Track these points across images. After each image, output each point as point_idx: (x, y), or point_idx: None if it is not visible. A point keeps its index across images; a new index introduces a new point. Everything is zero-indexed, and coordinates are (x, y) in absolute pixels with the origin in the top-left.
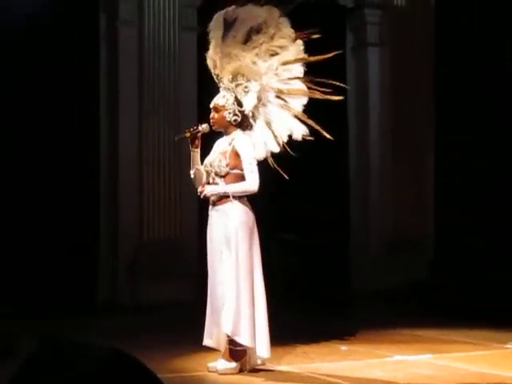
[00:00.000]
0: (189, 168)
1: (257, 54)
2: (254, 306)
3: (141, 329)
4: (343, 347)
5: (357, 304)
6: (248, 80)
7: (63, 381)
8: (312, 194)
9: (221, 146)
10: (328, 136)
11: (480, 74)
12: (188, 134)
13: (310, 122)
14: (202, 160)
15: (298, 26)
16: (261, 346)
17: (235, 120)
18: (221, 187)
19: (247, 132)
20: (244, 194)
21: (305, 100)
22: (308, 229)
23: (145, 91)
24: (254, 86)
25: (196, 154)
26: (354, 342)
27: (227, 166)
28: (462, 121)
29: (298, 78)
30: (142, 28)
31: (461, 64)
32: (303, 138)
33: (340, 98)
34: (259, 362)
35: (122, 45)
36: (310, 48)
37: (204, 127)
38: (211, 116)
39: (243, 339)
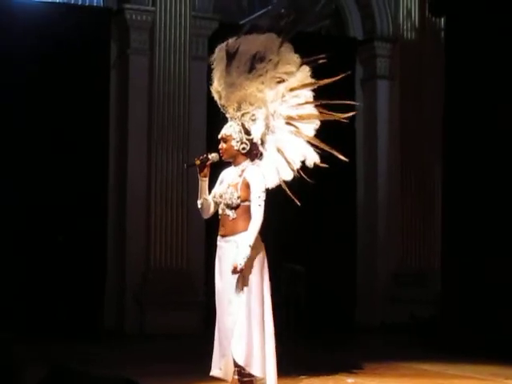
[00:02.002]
0: (196, 197)
1: (262, 82)
2: (264, 336)
3: (147, 358)
4: (349, 380)
5: (363, 336)
6: (254, 108)
7: None
8: (319, 226)
9: (230, 176)
10: (343, 158)
11: (491, 107)
12: (197, 162)
13: (324, 145)
14: (210, 189)
15: (308, 57)
16: (269, 376)
17: (243, 148)
18: (246, 249)
19: (257, 162)
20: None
21: (316, 124)
22: (315, 260)
23: (154, 120)
24: (260, 114)
25: (204, 183)
26: (359, 375)
27: (238, 198)
28: (471, 155)
29: (308, 102)
30: (153, 57)
31: (471, 98)
32: (316, 165)
33: (352, 113)
34: None
35: (133, 73)
36: (318, 79)
37: (213, 156)
38: (220, 146)
39: (255, 369)
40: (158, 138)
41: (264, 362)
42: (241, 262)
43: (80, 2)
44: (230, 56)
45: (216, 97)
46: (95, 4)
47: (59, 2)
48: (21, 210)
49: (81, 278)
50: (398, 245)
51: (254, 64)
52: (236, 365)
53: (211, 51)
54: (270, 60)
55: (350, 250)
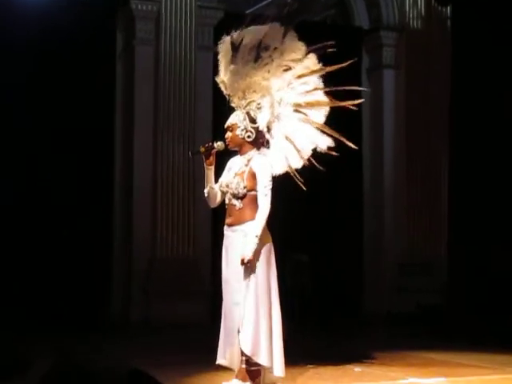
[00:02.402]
0: (203, 186)
1: (268, 71)
2: (271, 325)
3: (154, 347)
4: (357, 369)
5: (369, 326)
6: (259, 96)
7: None
8: (325, 216)
9: (236, 166)
10: (352, 146)
11: (497, 95)
12: (203, 150)
13: (333, 132)
14: (216, 178)
15: (314, 45)
16: (277, 365)
17: (249, 136)
18: (253, 239)
19: (263, 150)
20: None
21: (325, 110)
22: (321, 250)
23: (160, 109)
24: (266, 102)
25: (210, 171)
26: (366, 364)
27: (245, 188)
28: (477, 144)
29: (317, 88)
30: (159, 47)
31: (477, 86)
32: (328, 150)
33: (360, 101)
34: (273, 381)
35: (139, 63)
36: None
37: (219, 144)
38: (226, 136)
39: (262, 359)
40: (163, 128)
41: (271, 352)
42: (248, 254)
43: None
44: (235, 48)
45: (222, 87)
46: None
47: None
48: (27, 199)
49: (87, 269)
50: (404, 233)
51: (260, 53)
52: (243, 354)
53: (217, 41)
54: (275, 49)
55: (356, 238)
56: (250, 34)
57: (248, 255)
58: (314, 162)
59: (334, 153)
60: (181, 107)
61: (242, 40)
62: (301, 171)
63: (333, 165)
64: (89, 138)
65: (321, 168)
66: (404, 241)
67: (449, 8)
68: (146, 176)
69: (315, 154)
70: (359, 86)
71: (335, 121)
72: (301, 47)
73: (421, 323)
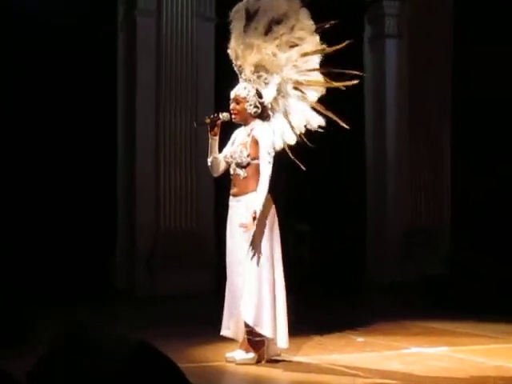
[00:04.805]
0: (206, 156)
1: (277, 46)
2: (274, 296)
3: (159, 319)
4: (360, 339)
5: (372, 295)
6: (269, 72)
7: (92, 368)
8: (328, 185)
9: (240, 136)
10: (345, 126)
11: (499, 65)
12: (208, 121)
13: (327, 112)
14: (221, 149)
15: (316, 17)
16: (280, 336)
17: (255, 112)
18: (256, 208)
19: (266, 122)
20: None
21: (322, 91)
22: (324, 219)
23: (162, 80)
24: (274, 79)
25: (214, 141)
26: (370, 334)
27: (248, 156)
28: (480, 111)
29: (317, 69)
30: (160, 17)
31: (479, 55)
32: (319, 128)
33: (356, 82)
34: (277, 352)
35: (140, 34)
36: (327, 39)
37: (224, 115)
38: (232, 107)
39: (265, 330)
40: (166, 99)
41: (274, 323)
42: (250, 225)
43: None
44: (250, 16)
45: (232, 55)
46: None
47: None
48: (32, 176)
49: (91, 241)
50: (407, 203)
51: (272, 26)
52: (246, 325)
53: (218, 11)
54: (287, 24)
55: (359, 208)
56: (266, 4)
57: (250, 225)
58: (305, 139)
59: (321, 129)
60: (183, 78)
61: (258, 9)
62: (304, 143)
63: (335, 135)
64: (90, 110)
65: (311, 145)
66: (407, 210)
67: None
68: (148, 149)
69: (310, 128)
70: (361, 55)
71: (337, 92)
72: (311, 26)
73: (424, 293)
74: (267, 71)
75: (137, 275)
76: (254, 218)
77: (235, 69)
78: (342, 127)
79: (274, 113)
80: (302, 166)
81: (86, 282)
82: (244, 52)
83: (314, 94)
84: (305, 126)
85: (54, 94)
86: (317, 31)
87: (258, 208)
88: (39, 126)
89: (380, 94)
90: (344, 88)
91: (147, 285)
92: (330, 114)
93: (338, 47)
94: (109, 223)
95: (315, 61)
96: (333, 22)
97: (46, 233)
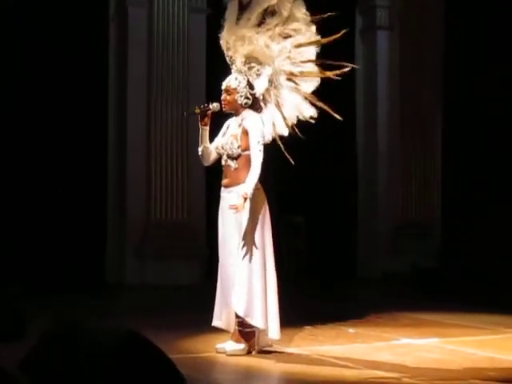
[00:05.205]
0: (197, 147)
1: (270, 37)
2: (266, 287)
3: (149, 309)
4: (351, 330)
5: (364, 287)
6: (261, 64)
7: (83, 357)
8: (319, 178)
9: (231, 127)
10: (337, 117)
11: (490, 57)
12: (198, 111)
13: (320, 103)
14: (212, 139)
15: (307, 7)
16: (272, 327)
17: (246, 103)
18: (247, 191)
19: (257, 113)
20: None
21: (316, 82)
22: (315, 212)
23: (154, 72)
24: (266, 70)
25: (205, 131)
26: (361, 325)
27: (239, 147)
28: (470, 104)
29: (310, 60)
30: (152, 9)
31: (470, 48)
32: (310, 119)
33: (348, 69)
34: (269, 343)
35: (132, 25)
36: (319, 30)
37: (215, 106)
38: (223, 98)
39: (256, 321)
40: (157, 91)
41: (265, 314)
42: (239, 207)
43: None
44: (243, 6)
45: (224, 46)
46: None
47: None
48: (23, 168)
49: (82, 232)
50: (398, 196)
51: (265, 17)
52: (237, 316)
53: (210, 3)
54: (280, 15)
55: (351, 201)
56: None
57: (240, 207)
58: (297, 131)
59: (313, 120)
60: (174, 70)
61: (252, 0)
62: (293, 137)
63: (326, 127)
64: (82, 103)
65: (302, 136)
66: (399, 203)
67: None
68: (139, 141)
69: (302, 118)
70: (353, 47)
71: (329, 83)
72: (305, 17)
73: (415, 285)
74: (259, 62)
75: (127, 265)
76: (245, 199)
77: (227, 59)
78: (334, 119)
79: (266, 104)
80: (291, 160)
81: (77, 272)
82: (235, 43)
83: (309, 86)
84: (297, 117)
85: (45, 86)
86: (312, 22)
87: (249, 191)
88: (31, 119)
89: (371, 85)
90: (337, 78)
91: (137, 274)
92: (323, 106)
93: (333, 37)
94: (100, 214)
95: (310, 52)
96: (330, 13)
97: (38, 225)
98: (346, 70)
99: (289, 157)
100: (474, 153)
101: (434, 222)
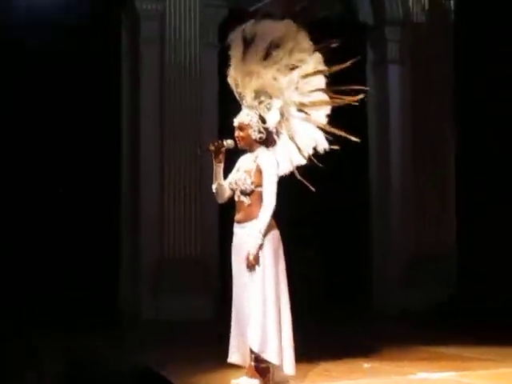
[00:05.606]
0: (211, 183)
1: (278, 70)
2: (280, 322)
3: (163, 344)
4: (366, 365)
5: (378, 321)
6: (270, 97)
7: None
8: (333, 211)
9: (245, 163)
10: (354, 139)
11: (501, 89)
12: (212, 148)
13: (333, 129)
14: (225, 175)
15: (319, 42)
16: (287, 362)
17: (260, 137)
18: (258, 235)
19: (271, 148)
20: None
21: (328, 110)
22: (329, 245)
23: (166, 107)
24: (276, 103)
25: (219, 168)
26: (376, 360)
27: (252, 184)
28: (483, 137)
29: (319, 89)
30: (164, 45)
31: (482, 79)
32: (326, 149)
33: (361, 96)
34: (283, 379)
35: (144, 61)
36: (330, 64)
37: (229, 142)
38: (236, 134)
39: (270, 356)
40: (170, 127)
41: (280, 349)
42: (253, 252)
43: None
44: (247, 42)
45: (232, 83)
46: None
47: None
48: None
49: (96, 267)
50: (412, 228)
51: (270, 51)
52: (252, 351)
53: (222, 38)
54: (285, 47)
55: (364, 234)
56: (263, 29)
57: (253, 253)
58: (314, 160)
59: (335, 147)
60: (187, 105)
61: (256, 34)
62: (306, 168)
63: (339, 160)
64: (95, 137)
65: (320, 165)
66: (412, 236)
67: (452, 1)
68: (153, 176)
69: (318, 150)
70: (364, 81)
71: (340, 117)
72: (309, 47)
73: (430, 318)
74: (269, 96)
75: (141, 300)
76: (248, 261)
77: (236, 96)
78: (348, 151)
79: (279, 136)
80: (312, 188)
81: (90, 306)
82: (244, 79)
83: (321, 115)
84: (314, 148)
85: (58, 119)
86: (318, 51)
87: (262, 230)
88: (42, 150)
89: (383, 119)
90: (350, 103)
91: (151, 310)
92: (337, 131)
93: (339, 67)
94: (114, 248)
95: (317, 80)
96: (333, 41)
97: (52, 257)
98: (359, 97)
99: (308, 185)
100: (488, 185)
101: (450, 254)
